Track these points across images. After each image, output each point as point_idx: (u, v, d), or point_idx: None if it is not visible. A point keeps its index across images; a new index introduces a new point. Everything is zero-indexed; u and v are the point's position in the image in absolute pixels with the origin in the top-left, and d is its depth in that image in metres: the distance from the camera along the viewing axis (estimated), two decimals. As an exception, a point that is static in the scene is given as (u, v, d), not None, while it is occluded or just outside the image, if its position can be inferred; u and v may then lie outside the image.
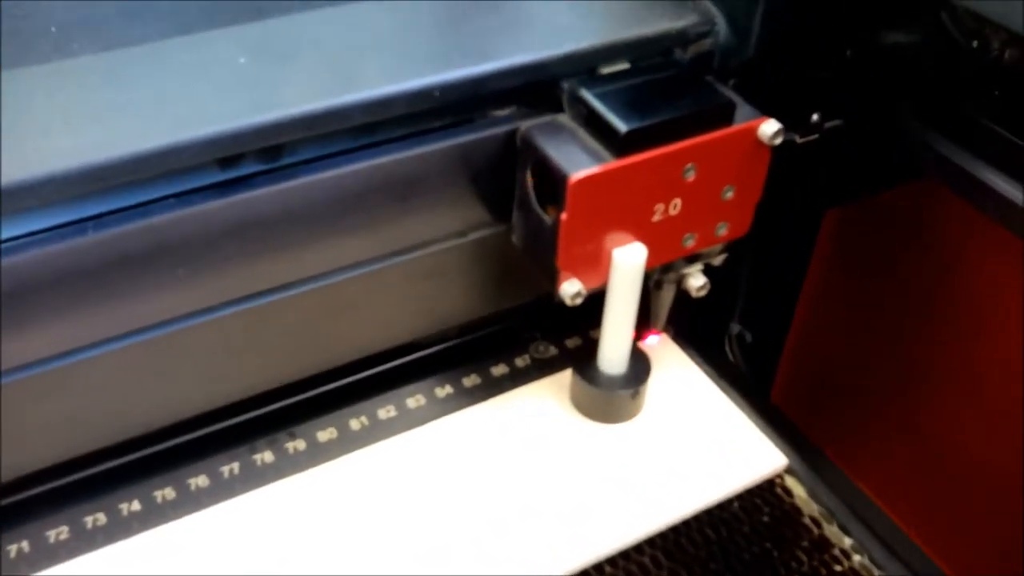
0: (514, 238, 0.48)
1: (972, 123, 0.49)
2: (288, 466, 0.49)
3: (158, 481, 0.48)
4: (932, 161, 0.51)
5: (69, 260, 0.39)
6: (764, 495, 0.50)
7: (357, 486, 0.48)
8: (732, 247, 0.50)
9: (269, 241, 0.43)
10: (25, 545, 0.45)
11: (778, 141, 0.45)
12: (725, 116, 0.45)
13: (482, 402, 0.53)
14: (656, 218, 0.45)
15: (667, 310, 0.54)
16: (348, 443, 0.50)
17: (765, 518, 0.49)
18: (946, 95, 0.50)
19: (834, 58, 0.51)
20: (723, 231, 0.48)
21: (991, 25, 0.47)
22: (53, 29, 0.43)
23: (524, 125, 0.44)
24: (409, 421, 0.51)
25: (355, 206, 0.44)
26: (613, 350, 0.50)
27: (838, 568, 0.47)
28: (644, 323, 0.53)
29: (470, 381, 0.54)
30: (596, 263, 0.45)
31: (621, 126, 0.42)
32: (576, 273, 0.45)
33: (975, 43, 0.49)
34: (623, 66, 0.46)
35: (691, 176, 0.45)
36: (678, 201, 0.45)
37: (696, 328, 0.58)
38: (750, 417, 0.53)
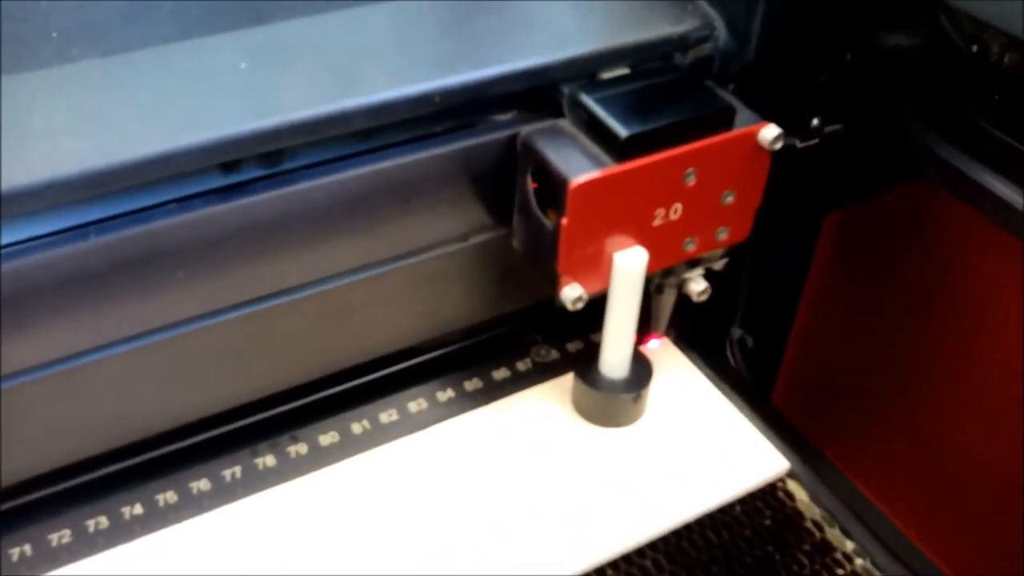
0: (515, 242, 0.48)
1: (971, 126, 0.49)
2: (290, 470, 0.49)
3: (160, 484, 0.48)
4: (932, 164, 0.51)
5: (71, 264, 0.39)
6: (766, 498, 0.50)
7: (359, 490, 0.48)
8: (733, 251, 0.50)
9: (270, 246, 0.43)
10: (27, 548, 0.45)
11: (778, 146, 0.45)
12: (725, 121, 0.45)
13: (483, 406, 0.53)
14: (657, 223, 0.45)
15: (668, 314, 0.54)
16: (350, 447, 0.50)
17: (767, 521, 0.49)
18: (946, 98, 0.51)
19: (834, 61, 0.51)
20: (724, 235, 0.48)
21: (990, 29, 0.47)
22: (54, 34, 0.43)
23: (525, 130, 0.45)
24: (411, 425, 0.51)
25: (356, 211, 0.44)
26: (615, 354, 0.50)
27: (840, 572, 0.47)
28: (645, 327, 0.53)
29: (471, 385, 0.54)
30: (597, 267, 0.45)
31: (621, 131, 0.42)
32: (577, 277, 0.45)
33: (974, 47, 0.49)
34: (623, 71, 0.46)
35: (691, 181, 0.45)
36: (679, 206, 0.45)
37: (697, 332, 0.58)
38: (751, 421, 0.53)
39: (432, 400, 0.53)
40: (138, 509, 0.47)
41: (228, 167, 0.41)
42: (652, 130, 0.43)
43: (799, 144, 0.52)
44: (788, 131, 0.46)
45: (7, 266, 0.37)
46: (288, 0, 0.45)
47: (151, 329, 0.43)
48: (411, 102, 0.42)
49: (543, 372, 0.55)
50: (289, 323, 0.46)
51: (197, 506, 0.47)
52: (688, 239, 0.47)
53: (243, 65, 0.42)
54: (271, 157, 0.41)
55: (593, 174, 0.42)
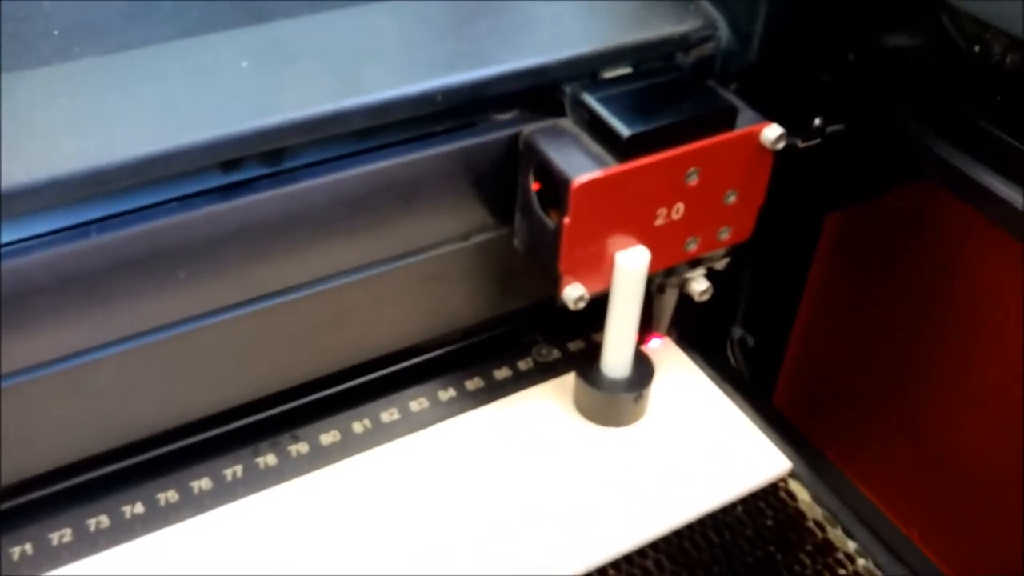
0: (516, 242, 0.48)
1: (973, 127, 0.49)
2: (291, 469, 0.49)
3: (161, 483, 0.48)
4: (933, 164, 0.51)
5: (72, 263, 0.39)
6: (768, 499, 0.50)
7: (360, 489, 0.48)
8: (734, 251, 0.50)
9: (272, 245, 0.43)
10: (28, 547, 0.45)
11: (780, 146, 0.45)
12: (727, 120, 0.45)
13: (485, 405, 0.53)
14: (659, 222, 0.45)
15: (670, 314, 0.54)
16: (351, 446, 0.50)
17: (769, 522, 0.49)
18: (947, 98, 0.51)
19: (836, 62, 0.51)
20: (726, 235, 0.48)
21: (992, 29, 0.47)
22: (55, 32, 0.43)
23: (527, 129, 0.45)
24: (412, 424, 0.51)
25: (358, 210, 0.44)
26: (616, 354, 0.50)
27: (842, 572, 0.47)
28: (647, 327, 0.53)
29: (473, 384, 0.54)
30: (599, 267, 0.45)
31: (624, 130, 0.42)
32: (579, 277, 0.45)
33: (976, 47, 0.49)
34: (625, 70, 0.46)
35: (693, 180, 0.45)
36: (681, 205, 0.45)
37: (699, 332, 0.58)
38: (753, 421, 0.53)
39: (433, 399, 0.53)
40: (139, 508, 0.47)
41: (229, 166, 0.41)
42: (654, 130, 0.43)
43: (801, 144, 0.52)
44: (790, 131, 0.46)
45: (8, 264, 0.37)
46: (290, -1, 0.45)
47: (152, 328, 0.43)
48: (413, 101, 0.42)
49: (544, 371, 0.55)
50: (290, 322, 0.46)
51: (198, 505, 0.47)
52: (690, 239, 0.47)
53: (244, 64, 0.42)
54: (272, 156, 0.41)
55: (595, 174, 0.42)
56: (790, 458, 0.51)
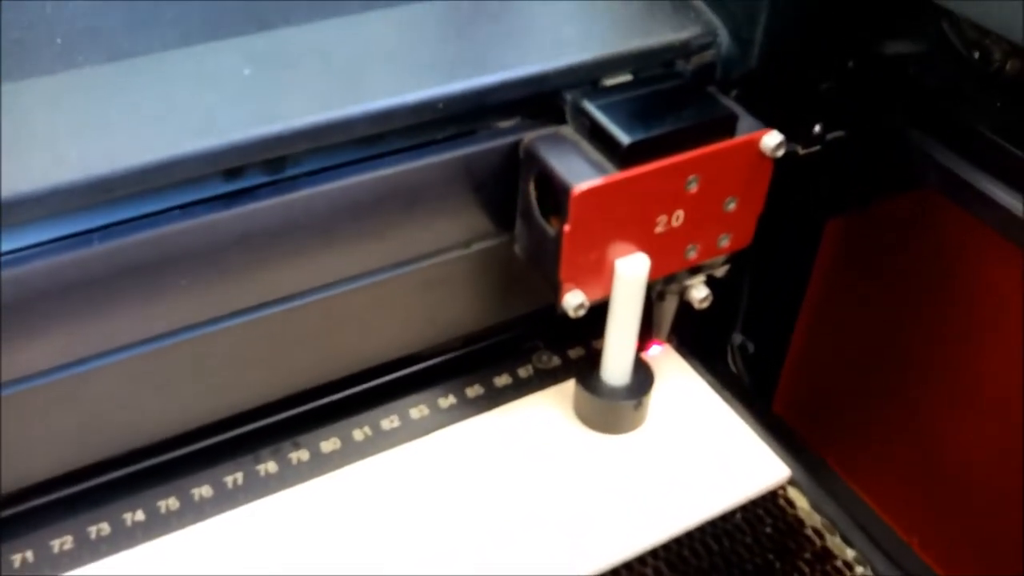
0: (517, 249, 0.48)
1: (973, 133, 0.49)
2: (291, 476, 0.49)
3: (162, 491, 0.48)
4: (933, 171, 0.51)
5: (74, 271, 0.39)
6: (767, 506, 0.50)
7: (360, 496, 0.48)
8: (734, 257, 0.50)
9: (273, 252, 0.43)
10: (29, 555, 0.45)
11: (780, 153, 0.45)
12: (727, 128, 0.45)
13: (485, 412, 0.53)
14: (659, 229, 0.45)
15: (670, 321, 0.54)
16: (351, 453, 0.50)
17: (768, 529, 0.49)
18: (947, 105, 0.51)
19: (836, 68, 0.51)
20: (725, 242, 0.48)
21: (992, 36, 0.47)
22: (58, 40, 0.43)
23: (527, 137, 0.45)
24: (412, 431, 0.51)
25: (359, 217, 0.44)
26: (616, 361, 0.50)
27: (841, 579, 0.47)
28: (647, 333, 0.53)
29: (473, 391, 0.54)
30: (599, 274, 0.45)
31: (624, 138, 0.42)
32: (579, 284, 0.45)
33: (976, 54, 0.49)
34: (626, 78, 0.46)
35: (693, 188, 0.45)
36: (680, 213, 0.45)
37: (699, 338, 0.58)
38: (752, 428, 0.53)
39: (434, 406, 0.53)
40: (140, 515, 0.47)
41: (231, 173, 0.41)
42: (654, 137, 0.43)
43: (801, 150, 0.52)
44: (790, 137, 0.46)
45: (10, 272, 0.37)
46: (292, 6, 0.45)
47: (154, 336, 0.43)
48: (414, 109, 0.42)
49: (544, 379, 0.55)
50: (291, 330, 0.46)
51: (199, 512, 0.47)
52: (690, 246, 0.47)
53: (246, 71, 0.42)
54: (274, 164, 0.41)
55: (595, 181, 0.42)
56: (789, 465, 0.51)
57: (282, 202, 0.41)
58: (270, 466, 0.49)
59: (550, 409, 0.53)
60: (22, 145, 0.37)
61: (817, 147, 0.52)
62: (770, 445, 0.52)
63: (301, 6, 0.45)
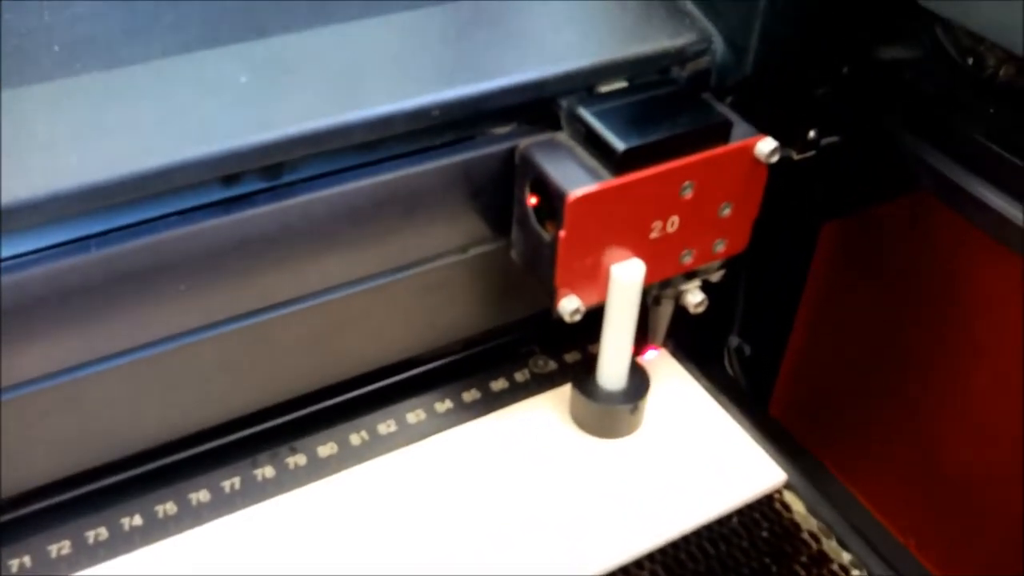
0: (513, 254, 0.48)
1: (967, 139, 0.50)
2: (289, 481, 0.49)
3: (159, 496, 0.48)
4: (927, 175, 0.51)
5: (72, 277, 0.39)
6: (763, 510, 0.50)
7: (357, 500, 0.48)
8: (730, 261, 0.50)
9: (271, 258, 0.43)
10: (27, 560, 0.45)
11: (774, 159, 0.45)
12: (722, 134, 0.45)
13: (482, 416, 0.53)
14: (654, 235, 0.46)
15: (666, 325, 0.54)
16: (348, 458, 0.50)
17: (764, 533, 0.49)
18: (941, 111, 0.51)
19: (831, 74, 0.51)
20: (721, 247, 0.48)
21: (986, 43, 0.48)
22: (56, 48, 0.43)
23: (523, 143, 0.45)
24: (409, 436, 0.52)
25: (356, 223, 0.44)
26: (612, 365, 0.50)
27: (836, 582, 0.47)
28: (643, 338, 0.53)
29: (470, 396, 0.54)
30: (595, 279, 0.46)
31: (619, 144, 0.43)
32: (575, 289, 0.46)
33: (970, 60, 0.49)
34: (621, 84, 0.46)
35: (689, 193, 0.45)
36: (676, 218, 0.46)
37: (695, 342, 0.58)
38: (749, 431, 0.53)
39: (430, 411, 0.53)
40: (137, 520, 0.47)
41: (229, 180, 0.41)
42: (649, 143, 0.43)
43: (796, 156, 0.52)
44: (785, 143, 0.46)
45: (9, 278, 0.38)
46: (288, 12, 0.46)
47: (152, 341, 0.43)
48: (410, 115, 0.42)
49: (541, 383, 0.55)
50: (289, 335, 0.46)
51: (196, 517, 0.47)
52: (685, 251, 0.47)
53: (244, 79, 0.42)
54: (272, 170, 0.42)
55: (591, 187, 0.42)
56: (785, 469, 0.51)
57: (280, 208, 0.42)
58: (267, 471, 0.50)
59: (546, 413, 0.53)
60: (21, 151, 0.37)
61: (812, 152, 0.52)
62: (766, 449, 0.52)
63: (299, 13, 0.45)
